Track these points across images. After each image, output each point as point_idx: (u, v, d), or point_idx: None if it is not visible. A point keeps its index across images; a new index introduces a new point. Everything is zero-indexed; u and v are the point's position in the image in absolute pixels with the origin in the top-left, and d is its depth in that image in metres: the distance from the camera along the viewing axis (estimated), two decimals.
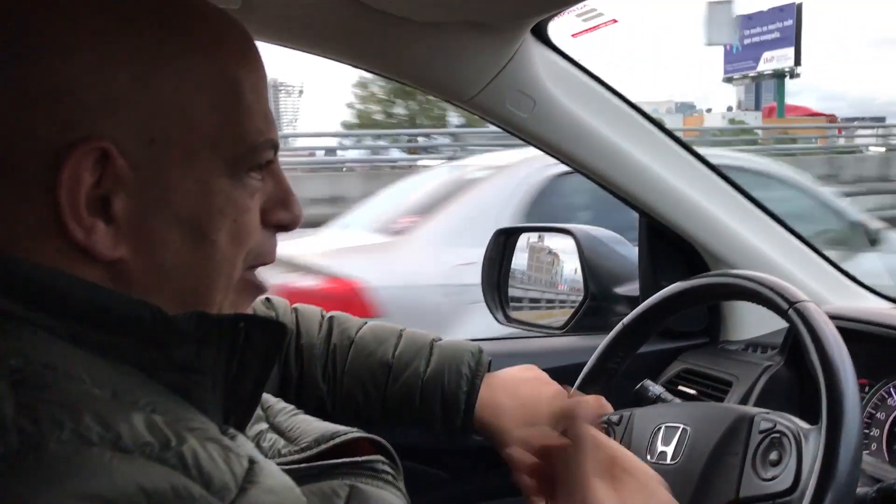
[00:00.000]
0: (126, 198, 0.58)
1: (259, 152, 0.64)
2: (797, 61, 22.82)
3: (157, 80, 0.58)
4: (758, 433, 0.86)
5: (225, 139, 0.61)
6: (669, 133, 1.32)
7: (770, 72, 23.49)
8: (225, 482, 0.54)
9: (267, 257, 0.68)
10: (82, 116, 0.56)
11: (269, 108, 0.66)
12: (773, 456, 0.83)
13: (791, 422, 0.85)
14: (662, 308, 1.10)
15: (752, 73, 23.77)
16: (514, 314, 1.61)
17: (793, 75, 23.15)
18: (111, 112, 0.57)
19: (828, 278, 1.40)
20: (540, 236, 1.62)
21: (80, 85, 0.56)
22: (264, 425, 0.84)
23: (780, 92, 22.78)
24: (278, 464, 0.69)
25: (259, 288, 0.69)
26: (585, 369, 1.11)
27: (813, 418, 0.84)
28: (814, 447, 0.79)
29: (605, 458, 0.72)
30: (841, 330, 0.88)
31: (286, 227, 0.69)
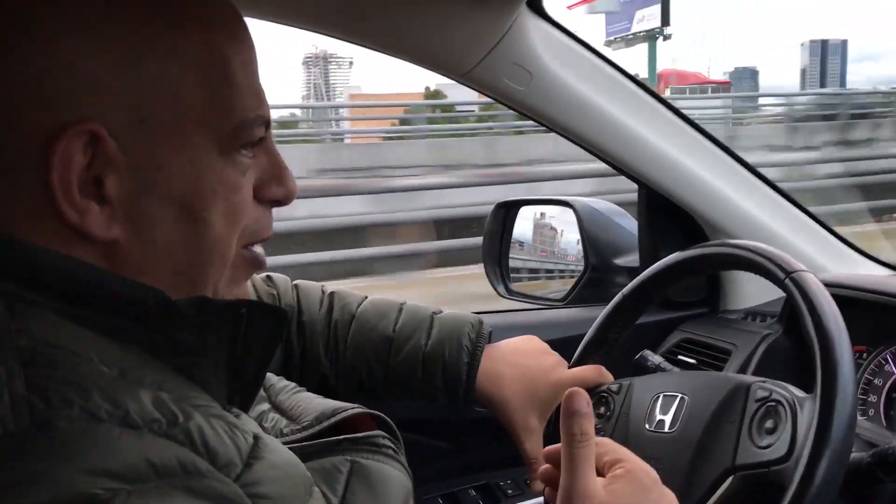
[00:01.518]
0: (118, 178, 0.58)
1: (250, 129, 0.64)
2: (664, 20, 19.01)
3: (144, 61, 0.58)
4: (754, 401, 0.87)
5: (215, 117, 0.61)
6: (667, 104, 1.31)
7: (643, 33, 19.55)
8: (230, 457, 0.55)
9: (263, 233, 0.69)
10: (71, 99, 0.56)
11: (261, 85, 0.66)
12: (769, 424, 0.84)
13: (786, 390, 0.86)
14: (661, 278, 1.10)
15: (628, 35, 19.92)
16: (515, 286, 1.62)
17: (665, 37, 19.27)
18: (99, 94, 0.57)
19: (827, 246, 1.40)
20: (542, 213, 1.62)
21: (67, 68, 0.56)
22: (266, 405, 0.85)
23: (651, 56, 19.00)
24: (281, 443, 0.70)
25: (257, 263, 0.70)
26: (585, 339, 1.12)
27: (810, 386, 0.85)
28: (808, 415, 0.80)
29: (607, 457, 0.73)
30: (839, 298, 0.88)
31: (280, 202, 0.70)
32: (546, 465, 0.79)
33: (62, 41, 0.56)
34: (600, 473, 0.71)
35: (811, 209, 1.41)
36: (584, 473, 0.67)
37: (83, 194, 0.57)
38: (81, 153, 0.57)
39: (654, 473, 0.74)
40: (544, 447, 1.04)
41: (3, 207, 0.57)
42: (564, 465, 0.68)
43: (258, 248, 0.70)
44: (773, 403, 0.85)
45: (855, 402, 0.79)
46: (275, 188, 0.68)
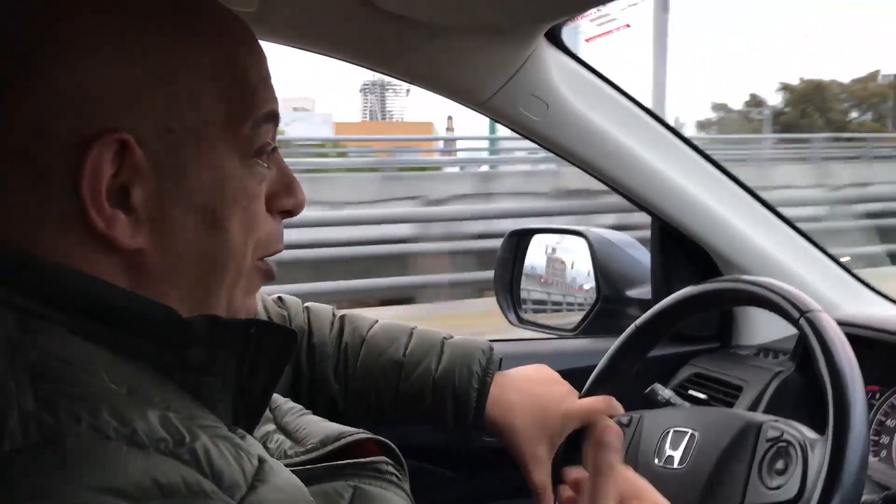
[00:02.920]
0: (145, 187, 0.60)
1: (263, 126, 0.65)
2: None
3: (170, 73, 0.60)
4: (765, 441, 0.86)
5: (234, 123, 0.63)
6: (682, 137, 1.32)
7: None
8: (235, 479, 0.55)
9: (275, 245, 0.70)
10: (102, 111, 0.58)
11: (272, 87, 0.68)
12: (780, 465, 0.84)
13: (798, 430, 0.85)
14: (674, 312, 1.10)
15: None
16: (526, 315, 1.62)
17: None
18: (128, 105, 0.59)
19: (841, 284, 1.39)
20: (554, 247, 1.62)
21: (99, 81, 0.58)
22: (272, 426, 0.85)
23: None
24: (284, 465, 0.70)
25: (269, 275, 0.71)
26: (596, 370, 1.12)
27: (822, 425, 0.84)
28: (819, 458, 0.79)
29: (627, 490, 0.73)
30: (853, 337, 0.88)
31: (290, 213, 0.71)
32: (570, 495, 0.79)
33: (94, 55, 0.58)
34: None
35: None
36: None
37: (111, 203, 0.58)
38: (110, 163, 0.58)
39: None
40: (552, 478, 1.04)
41: (29, 217, 0.58)
42: (589, 497, 0.69)
43: (270, 261, 0.71)
44: (784, 444, 0.84)
45: (867, 445, 0.78)
46: (285, 199, 0.69)
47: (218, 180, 0.62)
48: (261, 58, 0.67)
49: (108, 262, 0.60)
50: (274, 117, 0.67)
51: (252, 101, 0.65)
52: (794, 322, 0.89)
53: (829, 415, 0.79)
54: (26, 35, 0.58)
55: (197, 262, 0.63)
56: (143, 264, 0.61)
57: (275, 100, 0.68)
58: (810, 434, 0.84)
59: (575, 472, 0.78)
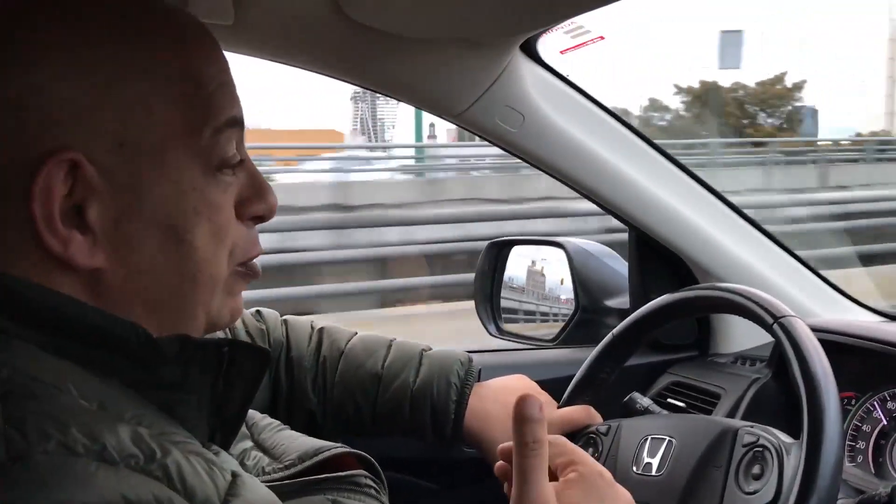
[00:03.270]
0: (100, 205, 0.59)
1: (223, 133, 0.64)
2: None
3: (120, 85, 0.59)
4: (741, 446, 0.87)
5: (191, 133, 0.62)
6: (657, 147, 1.33)
7: None
8: (207, 495, 0.55)
9: (252, 251, 0.69)
10: (49, 128, 0.57)
11: (235, 93, 0.67)
12: (756, 469, 0.84)
13: (773, 436, 0.86)
14: (651, 320, 1.11)
15: None
16: (505, 326, 1.62)
17: None
18: (77, 121, 0.57)
19: (817, 291, 1.41)
20: (533, 259, 1.63)
21: (43, 97, 0.57)
22: (249, 443, 0.84)
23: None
24: (262, 482, 0.69)
25: (252, 275, 0.70)
26: (575, 379, 1.12)
27: (799, 431, 0.85)
28: (795, 461, 0.80)
29: (560, 458, 0.73)
30: (828, 343, 0.89)
31: (262, 218, 0.70)
32: (501, 463, 0.78)
33: (38, 71, 0.57)
34: (553, 476, 0.70)
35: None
36: (536, 481, 0.64)
37: (65, 224, 0.57)
38: (62, 182, 0.57)
39: (608, 475, 0.73)
40: None
41: None
42: (516, 473, 0.65)
43: (251, 264, 0.70)
44: (759, 449, 0.85)
45: (841, 448, 0.79)
46: (256, 204, 0.68)
47: (178, 193, 0.61)
48: (219, 63, 0.66)
49: (67, 282, 0.59)
50: (236, 123, 0.65)
51: (209, 109, 0.63)
52: (768, 328, 0.91)
53: (804, 419, 0.80)
54: None
55: (163, 278, 0.62)
56: (104, 283, 0.60)
57: (236, 106, 0.66)
58: (785, 438, 0.85)
59: (507, 445, 0.75)
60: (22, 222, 0.57)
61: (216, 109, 0.64)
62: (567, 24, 1.07)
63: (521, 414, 0.65)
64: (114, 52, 0.59)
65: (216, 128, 0.63)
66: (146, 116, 0.60)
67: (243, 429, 0.84)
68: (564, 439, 0.77)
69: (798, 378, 0.83)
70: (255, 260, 0.70)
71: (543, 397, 1.11)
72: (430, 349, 1.12)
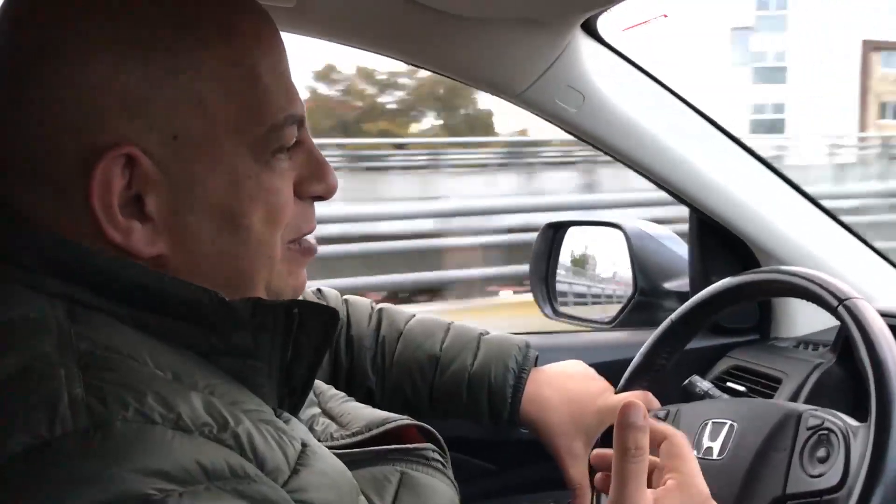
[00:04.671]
0: (157, 196, 0.60)
1: (281, 131, 0.64)
2: None
3: (172, 78, 0.59)
4: (805, 430, 0.86)
5: (246, 124, 0.62)
6: (720, 127, 1.31)
7: None
8: (277, 463, 0.57)
9: (305, 228, 0.70)
10: (104, 122, 0.58)
11: (292, 85, 0.66)
12: (821, 453, 0.83)
13: (839, 419, 0.85)
14: (711, 304, 1.09)
15: None
16: (562, 308, 1.62)
17: None
18: (131, 115, 0.58)
19: (881, 274, 1.37)
20: (590, 240, 1.62)
21: (97, 91, 0.58)
22: (317, 410, 0.86)
23: None
24: (330, 447, 0.71)
25: (308, 252, 0.70)
26: (632, 365, 1.11)
27: (863, 416, 0.83)
28: (862, 445, 0.78)
29: (667, 460, 0.73)
30: (893, 328, 0.87)
31: (321, 198, 0.70)
32: (600, 474, 0.79)
33: (92, 64, 0.58)
34: (651, 481, 0.70)
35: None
36: (635, 487, 0.66)
37: (125, 214, 0.59)
38: (120, 175, 0.58)
39: (705, 489, 0.73)
40: (590, 473, 1.04)
41: (57, 227, 0.59)
42: (615, 479, 0.67)
43: (306, 239, 0.70)
44: (825, 432, 0.84)
45: None
46: (315, 184, 0.69)
47: (233, 182, 0.62)
48: (276, 53, 0.65)
49: None
50: (294, 121, 0.65)
51: (265, 104, 0.63)
52: (833, 310, 0.89)
53: (872, 402, 0.78)
54: (18, 50, 0.59)
55: (222, 262, 0.63)
56: (166, 268, 0.61)
57: (294, 100, 0.66)
58: (852, 422, 0.84)
59: (603, 452, 0.77)
60: (83, 213, 0.58)
61: (273, 106, 0.63)
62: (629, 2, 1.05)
63: (626, 421, 0.66)
64: (166, 46, 0.59)
65: (273, 126, 0.63)
66: (199, 110, 0.60)
67: (311, 396, 0.86)
68: (682, 439, 0.76)
69: (865, 360, 0.82)
70: (309, 236, 0.71)
71: (600, 383, 1.10)
72: (488, 333, 1.12)
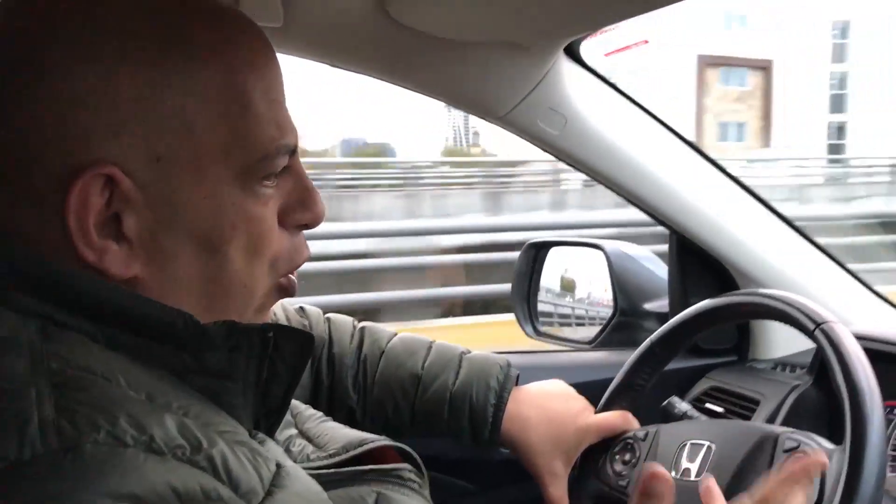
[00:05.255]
0: (136, 216, 0.58)
1: (271, 161, 0.63)
2: None
3: (158, 98, 0.58)
4: (782, 452, 0.87)
5: (234, 151, 0.60)
6: (699, 150, 1.32)
7: None
8: (252, 486, 0.55)
9: (297, 260, 0.68)
10: (87, 140, 0.56)
11: (285, 112, 0.64)
12: None
13: (815, 441, 0.86)
14: (691, 325, 1.10)
15: None
16: (543, 328, 1.62)
17: None
18: (116, 133, 0.57)
19: (858, 298, 1.39)
20: (571, 260, 1.63)
21: (82, 108, 0.56)
22: (294, 431, 0.86)
23: None
24: (306, 468, 0.71)
25: (286, 292, 0.69)
26: (612, 384, 1.12)
27: (839, 438, 0.84)
28: (837, 467, 0.79)
29: None
30: (870, 351, 0.88)
31: (308, 226, 0.68)
32: None
33: (78, 79, 0.56)
34: None
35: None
36: None
37: (101, 234, 0.58)
38: (99, 194, 0.57)
39: None
40: (569, 492, 1.04)
41: (32, 241, 0.58)
42: None
43: (289, 277, 0.69)
44: (801, 454, 0.85)
45: (884, 456, 0.78)
46: (301, 213, 0.67)
47: (215, 208, 0.60)
48: (270, 78, 0.63)
49: None
50: (288, 151, 0.64)
51: (255, 129, 0.61)
52: (810, 334, 0.90)
53: (847, 425, 0.79)
54: (4, 61, 0.57)
55: (199, 287, 0.62)
56: (141, 289, 0.60)
57: (287, 130, 0.64)
58: (828, 445, 0.85)
59: None
60: (60, 230, 0.57)
61: (264, 134, 0.62)
62: (611, 28, 1.07)
63: (650, 490, 0.64)
64: (155, 64, 0.58)
65: (265, 155, 0.62)
66: (186, 132, 0.59)
67: (288, 417, 0.85)
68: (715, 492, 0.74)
69: (841, 384, 0.83)
70: (293, 275, 0.69)
71: (580, 402, 1.11)
72: (470, 352, 1.12)
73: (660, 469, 0.63)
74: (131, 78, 0.57)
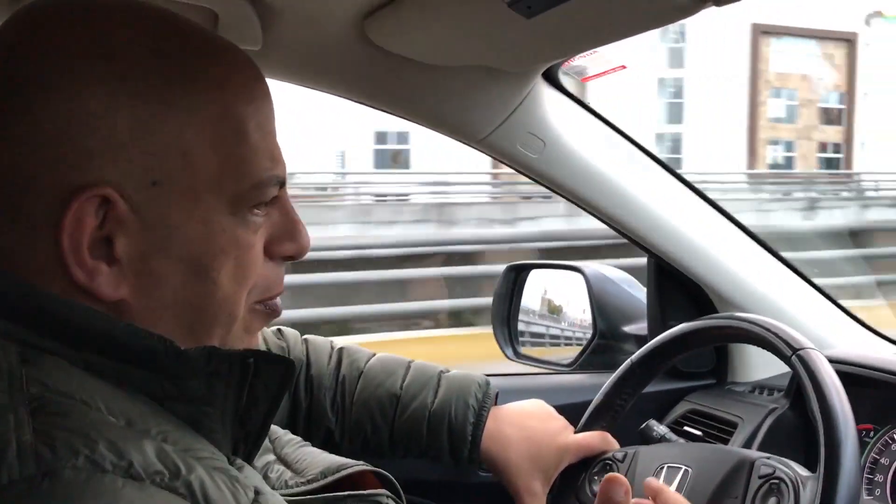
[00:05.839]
0: (128, 239, 0.59)
1: (263, 189, 0.63)
2: None
3: (158, 124, 0.59)
4: (757, 478, 0.87)
5: (227, 179, 0.61)
6: (677, 175, 1.34)
7: None
8: None
9: (274, 290, 0.68)
10: (85, 162, 0.57)
11: (277, 144, 0.66)
12: (772, 502, 0.84)
13: (790, 468, 0.86)
14: (669, 348, 1.11)
15: None
16: (523, 350, 1.62)
17: None
18: (113, 157, 0.57)
19: (835, 322, 1.40)
20: (551, 283, 1.63)
21: (81, 131, 0.57)
22: (272, 456, 0.85)
23: None
24: (284, 495, 0.70)
25: (271, 314, 0.69)
26: (592, 405, 1.12)
27: (815, 462, 0.85)
28: (811, 494, 0.80)
29: None
30: (846, 375, 0.89)
31: (292, 258, 0.69)
32: None
33: (81, 101, 0.57)
34: None
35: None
36: None
37: (93, 255, 0.58)
38: (93, 215, 0.57)
39: None
40: None
41: (20, 263, 0.58)
42: None
43: (270, 302, 0.69)
44: (776, 481, 0.85)
45: (858, 484, 0.79)
46: (287, 244, 0.68)
47: (207, 234, 0.61)
48: (264, 110, 0.65)
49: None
50: (278, 182, 0.65)
51: (249, 162, 0.62)
52: (787, 360, 0.91)
53: (821, 454, 0.80)
54: (8, 79, 0.58)
55: (184, 311, 0.62)
56: (126, 312, 0.60)
57: (278, 162, 0.65)
58: (802, 472, 0.85)
59: None
60: (51, 250, 0.57)
61: (258, 165, 0.63)
62: (589, 53, 1.08)
63: (607, 495, 0.69)
64: (157, 92, 0.59)
65: (255, 184, 0.63)
66: (182, 159, 0.60)
67: (266, 442, 0.85)
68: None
69: (816, 412, 0.83)
70: (276, 299, 0.70)
71: (560, 422, 1.11)
72: (449, 371, 1.12)
73: (617, 475, 0.69)
74: (132, 105, 0.58)
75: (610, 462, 1.05)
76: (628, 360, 1.13)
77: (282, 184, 0.66)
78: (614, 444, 1.09)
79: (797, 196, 17.48)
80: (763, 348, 0.97)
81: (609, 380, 1.13)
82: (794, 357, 0.90)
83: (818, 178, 23.98)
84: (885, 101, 27.43)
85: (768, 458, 0.90)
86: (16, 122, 0.57)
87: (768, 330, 0.95)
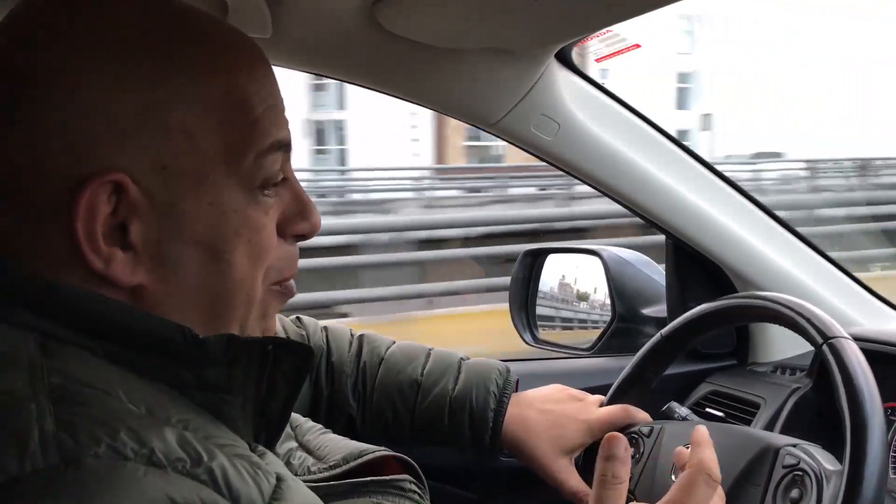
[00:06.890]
0: (142, 224, 0.59)
1: (266, 156, 0.64)
2: None
3: (164, 108, 0.59)
4: (781, 467, 0.86)
5: (235, 154, 0.62)
6: (694, 154, 1.32)
7: None
8: (252, 498, 0.56)
9: (289, 270, 0.69)
10: (93, 149, 0.57)
11: (283, 112, 0.66)
12: (794, 493, 0.83)
13: (815, 460, 0.85)
14: (699, 323, 1.10)
15: None
16: (541, 335, 1.62)
17: None
18: (121, 143, 0.58)
19: (857, 300, 1.39)
20: (570, 269, 1.62)
21: (88, 119, 0.57)
22: (294, 443, 0.86)
23: None
24: (307, 481, 0.70)
25: (286, 295, 0.70)
26: (621, 376, 1.12)
27: (837, 443, 0.84)
28: (834, 490, 0.78)
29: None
30: (870, 353, 0.87)
31: (304, 237, 0.70)
32: None
33: (83, 93, 0.57)
34: None
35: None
36: None
37: (108, 242, 0.58)
38: (106, 202, 0.58)
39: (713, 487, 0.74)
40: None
41: (35, 255, 0.59)
42: (593, 502, 0.69)
43: (286, 283, 0.70)
44: (800, 473, 0.84)
45: (883, 480, 0.77)
46: (299, 223, 0.68)
47: (219, 215, 0.62)
48: (267, 85, 0.65)
49: (109, 297, 0.60)
50: (281, 147, 0.65)
51: (254, 133, 0.63)
52: (818, 346, 0.89)
53: (847, 447, 0.79)
54: (14, 69, 0.58)
55: (201, 295, 0.63)
56: (144, 298, 0.61)
57: (283, 128, 0.66)
58: (827, 465, 0.84)
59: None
60: (65, 240, 0.58)
61: (261, 133, 0.63)
62: (602, 32, 1.07)
63: (607, 451, 0.69)
64: (156, 76, 0.59)
65: (260, 152, 0.63)
66: (189, 140, 0.60)
67: (288, 429, 0.85)
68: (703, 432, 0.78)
69: (844, 405, 0.81)
70: (291, 280, 0.70)
71: (580, 403, 1.11)
72: (469, 358, 1.12)
73: (616, 433, 0.70)
74: (136, 91, 0.58)
75: (636, 435, 1.05)
76: (658, 332, 1.13)
77: (286, 150, 0.67)
78: (638, 415, 1.09)
79: None
80: (794, 332, 0.96)
81: (640, 351, 1.13)
82: (825, 346, 0.88)
83: None
84: None
85: (794, 445, 0.88)
86: (22, 114, 0.57)
87: (801, 314, 0.93)
